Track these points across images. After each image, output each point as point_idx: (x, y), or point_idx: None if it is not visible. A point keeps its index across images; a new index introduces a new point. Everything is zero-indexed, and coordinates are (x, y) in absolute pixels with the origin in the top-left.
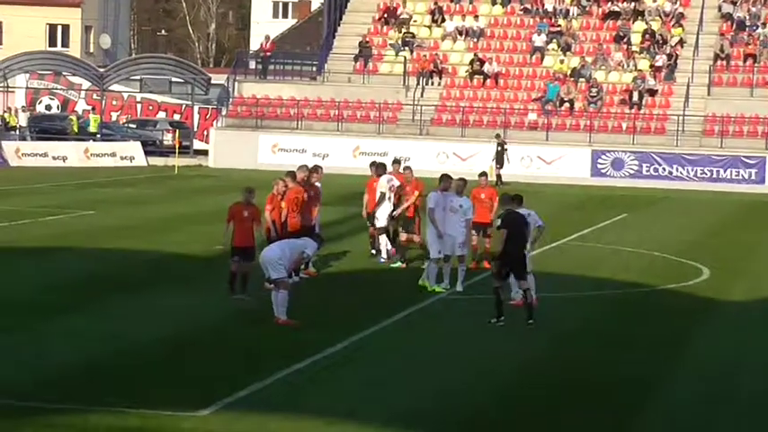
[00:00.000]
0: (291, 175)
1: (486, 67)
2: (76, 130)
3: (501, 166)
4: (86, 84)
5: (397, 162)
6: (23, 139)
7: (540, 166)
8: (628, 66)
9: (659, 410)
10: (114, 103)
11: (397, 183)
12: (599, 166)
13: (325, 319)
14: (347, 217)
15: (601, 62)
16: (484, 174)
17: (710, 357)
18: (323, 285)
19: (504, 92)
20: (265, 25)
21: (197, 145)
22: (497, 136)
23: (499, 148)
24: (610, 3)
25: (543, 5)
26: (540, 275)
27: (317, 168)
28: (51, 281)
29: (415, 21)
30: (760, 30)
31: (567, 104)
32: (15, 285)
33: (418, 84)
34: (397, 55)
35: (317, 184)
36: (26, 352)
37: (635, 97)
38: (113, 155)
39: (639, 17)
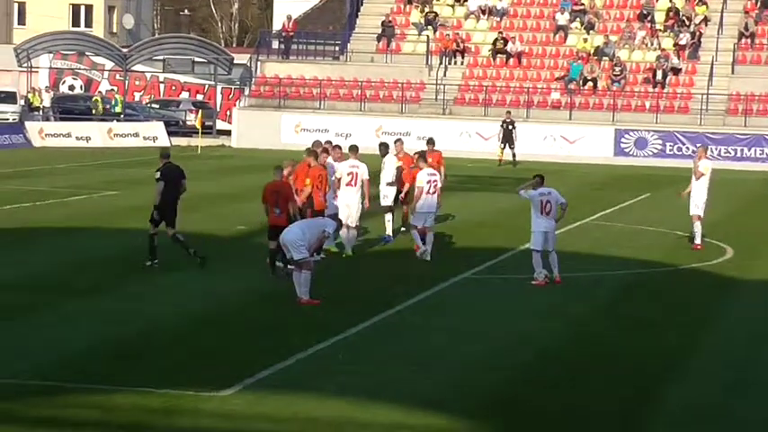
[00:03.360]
0: (313, 153)
1: (510, 46)
2: (101, 111)
3: (513, 146)
4: (109, 64)
5: (431, 142)
6: (47, 119)
7: (564, 145)
8: (651, 44)
9: (682, 389)
10: (137, 83)
11: (438, 178)
12: (622, 145)
13: (347, 298)
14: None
15: (625, 41)
16: (431, 141)
17: (734, 336)
18: (346, 265)
19: (527, 71)
20: (288, 5)
21: (220, 125)
22: (508, 113)
23: (510, 127)
24: None
25: None
26: (563, 254)
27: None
28: (74, 261)
29: (437, 0)
30: None
31: (590, 83)
32: (39, 265)
33: (441, 63)
34: (419, 34)
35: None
36: (50, 332)
37: (658, 76)
38: (136, 135)
39: None
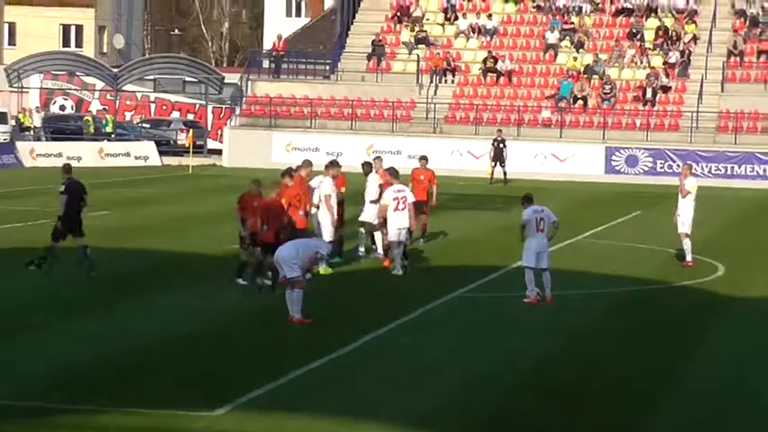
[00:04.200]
0: (288, 173)
1: (500, 65)
2: (92, 131)
3: (503, 164)
4: (100, 84)
5: (424, 159)
6: (38, 139)
7: (554, 163)
8: (641, 63)
9: (674, 406)
10: (128, 102)
11: (408, 194)
12: (613, 163)
13: (340, 317)
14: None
15: (614, 59)
16: (424, 158)
17: (726, 354)
18: (338, 283)
19: (517, 89)
20: (279, 24)
21: (211, 144)
22: (499, 131)
23: (500, 145)
24: (623, 0)
25: (556, 2)
26: (554, 272)
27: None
28: (66, 281)
29: (427, 19)
30: None
31: (580, 101)
32: (30, 285)
33: (431, 82)
34: (410, 53)
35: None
36: (39, 352)
37: (648, 94)
38: (128, 155)
39: (652, 14)
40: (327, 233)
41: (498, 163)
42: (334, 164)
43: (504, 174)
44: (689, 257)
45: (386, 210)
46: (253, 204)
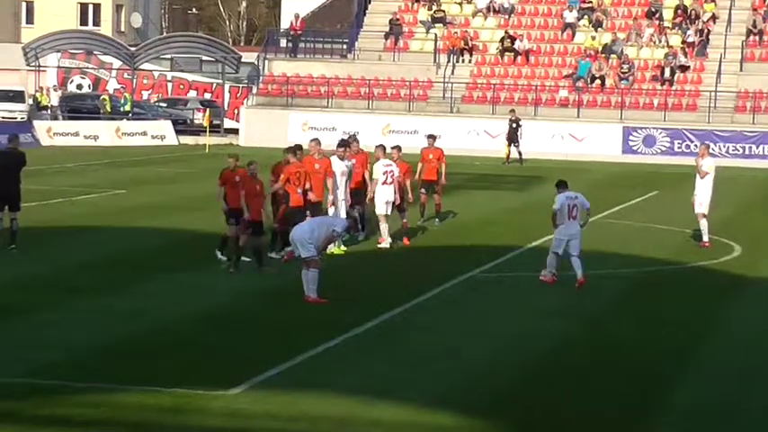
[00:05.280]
0: (291, 150)
1: (517, 44)
2: (109, 110)
3: (518, 144)
4: (117, 63)
5: (432, 137)
6: (55, 118)
7: (572, 143)
8: (659, 42)
9: (692, 386)
10: (145, 81)
11: (394, 168)
12: (630, 142)
13: (355, 297)
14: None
15: (633, 38)
16: (432, 136)
17: (743, 334)
18: (354, 263)
19: (534, 69)
20: (296, 3)
21: (228, 123)
22: (512, 111)
23: (514, 125)
24: None
25: None
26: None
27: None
28: (82, 260)
29: None
30: None
31: (598, 81)
32: (47, 264)
33: (449, 61)
34: (427, 32)
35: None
36: (57, 331)
37: (667, 73)
38: (144, 134)
39: None
40: (341, 210)
41: (512, 143)
42: (343, 142)
43: (519, 154)
44: (705, 238)
45: (376, 183)
46: (233, 179)
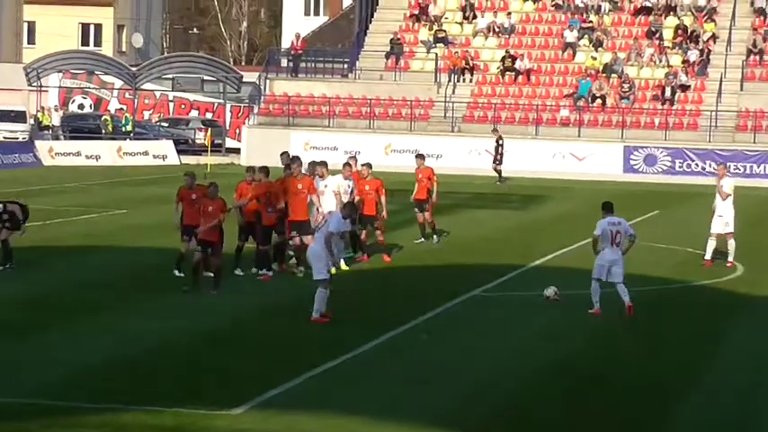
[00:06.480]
0: (264, 170)
1: (518, 64)
2: (111, 130)
3: (500, 162)
4: (119, 83)
5: (420, 157)
6: (56, 138)
7: (573, 162)
8: (660, 61)
9: (695, 405)
10: (147, 101)
11: (349, 183)
12: (631, 162)
13: (357, 315)
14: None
15: (633, 58)
16: (420, 156)
17: (745, 353)
18: (355, 281)
19: (535, 88)
20: (297, 23)
21: (229, 143)
22: (494, 131)
23: (497, 143)
24: None
25: (574, 1)
26: (574, 272)
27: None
28: (84, 279)
29: (446, 18)
30: None
31: (599, 100)
32: (48, 284)
33: (450, 81)
34: (428, 52)
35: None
36: (60, 350)
37: (667, 93)
38: (146, 153)
39: (671, 12)
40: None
41: (494, 161)
42: (318, 163)
43: (499, 173)
44: (731, 258)
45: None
46: (190, 197)
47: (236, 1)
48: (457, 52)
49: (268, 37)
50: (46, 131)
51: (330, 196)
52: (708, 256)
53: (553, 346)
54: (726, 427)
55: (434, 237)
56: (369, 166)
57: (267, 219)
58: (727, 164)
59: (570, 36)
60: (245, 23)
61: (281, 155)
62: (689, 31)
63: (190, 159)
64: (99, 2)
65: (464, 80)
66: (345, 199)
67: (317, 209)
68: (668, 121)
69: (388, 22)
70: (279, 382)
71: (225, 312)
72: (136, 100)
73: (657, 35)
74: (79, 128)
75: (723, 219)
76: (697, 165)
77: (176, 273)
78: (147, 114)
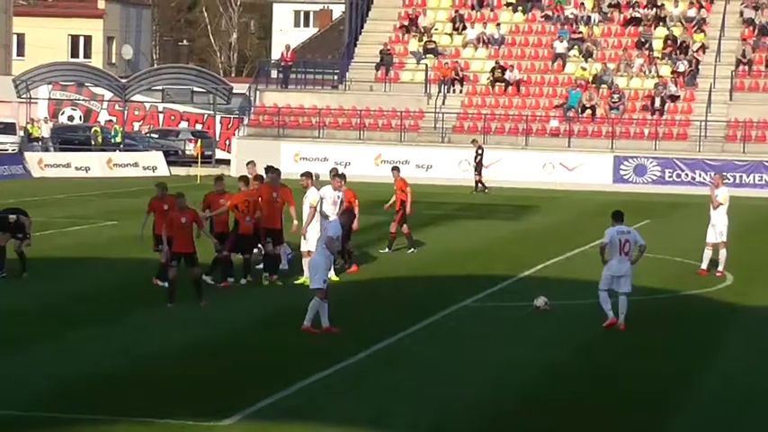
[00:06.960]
0: (243, 179)
1: (508, 75)
2: (101, 141)
3: (479, 173)
4: (108, 94)
5: (395, 169)
6: (46, 149)
7: (563, 172)
8: (649, 72)
9: (687, 415)
10: (136, 113)
11: (337, 194)
12: (621, 172)
13: (349, 326)
14: (371, 225)
15: (623, 68)
16: (395, 168)
17: (737, 362)
18: (346, 293)
19: (525, 99)
20: (287, 34)
21: (219, 154)
22: (474, 141)
23: (476, 153)
24: (631, 9)
25: (564, 12)
26: (563, 282)
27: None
28: (74, 291)
29: (436, 29)
30: None
31: (588, 111)
32: (38, 296)
33: (440, 91)
34: (418, 63)
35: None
36: (49, 362)
37: (657, 103)
38: (136, 165)
39: (661, 23)
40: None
41: (476, 171)
42: (273, 170)
43: (477, 182)
44: (721, 267)
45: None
46: (162, 208)
47: (225, 12)
48: (447, 63)
49: (258, 48)
50: (36, 143)
51: (328, 206)
52: (704, 266)
53: (546, 355)
54: None
55: (388, 248)
56: (343, 176)
57: (244, 227)
58: (723, 174)
59: (560, 47)
60: (234, 35)
61: (247, 163)
62: (678, 41)
63: (180, 170)
64: (89, 14)
65: (454, 91)
66: (335, 209)
67: (309, 217)
68: (658, 132)
69: (378, 33)
70: (269, 393)
71: (215, 323)
72: (126, 111)
73: (647, 46)
74: (69, 139)
75: (717, 228)
76: (687, 175)
77: (159, 282)
78: (136, 126)
